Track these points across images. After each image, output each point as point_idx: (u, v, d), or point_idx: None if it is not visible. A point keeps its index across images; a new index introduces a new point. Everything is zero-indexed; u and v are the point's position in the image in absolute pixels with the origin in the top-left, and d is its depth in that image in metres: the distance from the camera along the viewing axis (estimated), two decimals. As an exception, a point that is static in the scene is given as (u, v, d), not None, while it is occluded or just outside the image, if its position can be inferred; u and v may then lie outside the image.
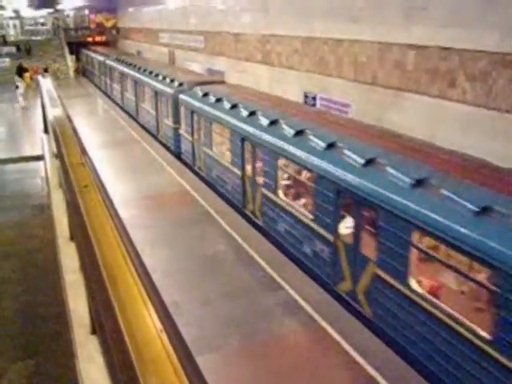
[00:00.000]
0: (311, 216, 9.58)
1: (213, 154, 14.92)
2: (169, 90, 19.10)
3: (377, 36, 13.82)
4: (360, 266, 8.35)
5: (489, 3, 10.35)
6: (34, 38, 51.85)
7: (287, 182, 11.20)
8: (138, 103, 24.98)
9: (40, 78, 27.79)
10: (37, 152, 20.34)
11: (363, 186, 8.08)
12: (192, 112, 16.48)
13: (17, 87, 31.01)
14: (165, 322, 4.01)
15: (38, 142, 21.21)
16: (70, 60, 46.21)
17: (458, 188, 6.96)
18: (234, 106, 13.92)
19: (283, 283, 9.44)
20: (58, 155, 11.94)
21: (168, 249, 11.03)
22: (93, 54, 41.03)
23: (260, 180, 11.82)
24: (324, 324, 8.19)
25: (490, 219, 6.25)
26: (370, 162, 8.34)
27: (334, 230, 8.89)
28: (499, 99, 10.17)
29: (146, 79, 22.96)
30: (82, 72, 46.76)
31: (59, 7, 61.28)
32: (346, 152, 8.99)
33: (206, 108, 15.21)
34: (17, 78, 34.37)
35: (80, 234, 7.04)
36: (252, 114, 12.81)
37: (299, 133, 10.43)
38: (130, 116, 26.74)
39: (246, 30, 22.35)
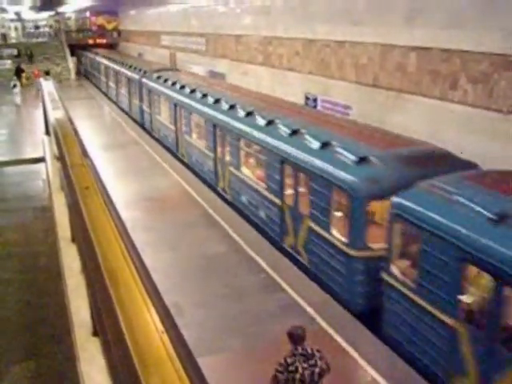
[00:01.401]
0: (205, 146, 15.47)
1: (160, 118, 21.24)
2: (136, 76, 25.02)
3: (378, 38, 13.83)
4: (223, 169, 14.22)
5: (490, 4, 10.35)
6: (35, 40, 51.91)
7: (197, 130, 16.73)
8: (118, 90, 30.46)
9: (42, 80, 27.90)
10: (38, 154, 20.35)
11: (222, 119, 13.92)
12: (149, 91, 22.50)
13: (14, 86, 33.51)
14: (166, 324, 4.01)
15: (40, 144, 21.23)
16: (71, 62, 46.32)
17: (262, 112, 12.91)
18: (173, 84, 19.79)
19: (285, 285, 9.44)
20: (59, 157, 11.96)
21: (169, 251, 11.03)
22: (89, 54, 43.36)
23: (184, 130, 17.91)
24: (326, 326, 8.18)
25: (269, 129, 11.77)
26: (231, 107, 14.12)
27: (214, 151, 14.77)
28: (500, 101, 10.17)
29: (121, 69, 28.89)
30: (84, 74, 46.87)
31: (60, 10, 61.42)
32: (223, 103, 14.77)
33: (156, 86, 21.39)
34: (15, 78, 37.13)
35: (81, 235, 7.05)
36: (182, 87, 18.74)
37: (204, 96, 16.34)
38: (113, 101, 32.11)
39: (247, 32, 22.38)
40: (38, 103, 28.17)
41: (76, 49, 47.73)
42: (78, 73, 47.06)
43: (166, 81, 20.65)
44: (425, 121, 12.21)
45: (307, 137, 10.37)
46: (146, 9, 39.26)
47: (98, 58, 37.78)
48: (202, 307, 8.80)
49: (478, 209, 6.46)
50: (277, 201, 11.00)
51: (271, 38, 20.20)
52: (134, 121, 25.59)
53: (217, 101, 15.26)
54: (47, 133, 20.25)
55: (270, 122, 11.95)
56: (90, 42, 47.92)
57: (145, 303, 4.39)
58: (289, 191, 10.64)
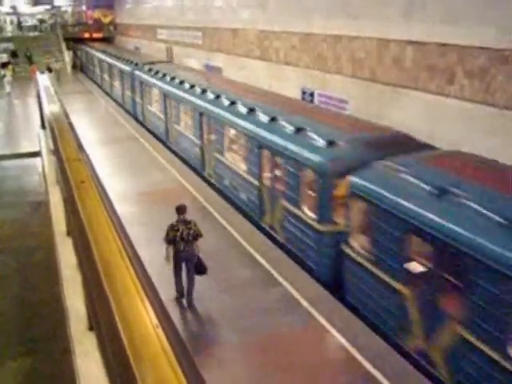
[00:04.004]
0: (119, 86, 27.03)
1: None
2: (90, 51, 38.66)
3: (375, 32, 13.79)
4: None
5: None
6: (31, 34, 51.59)
7: (111, 75, 26.13)
8: (85, 63, 39.07)
9: (38, 74, 27.83)
10: (34, 148, 20.26)
11: (112, 63, 26.65)
12: (93, 57, 37.43)
13: (4, 76, 36.89)
14: (161, 318, 3.99)
15: (35, 138, 21.13)
16: (67, 56, 46.10)
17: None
18: (105, 52, 33.49)
19: (281, 279, 9.43)
20: (55, 151, 11.90)
21: (165, 245, 10.97)
22: (84, 48, 44.26)
23: (106, 75, 31.13)
24: (322, 320, 8.18)
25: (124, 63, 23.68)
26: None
27: (111, 79, 26.13)
28: (497, 95, 10.15)
29: (93, 52, 38.28)
30: (80, 67, 46.66)
31: (56, 3, 61.07)
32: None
33: (98, 54, 35.55)
34: (3, 70, 39.30)
35: (77, 230, 7.03)
36: (108, 53, 31.46)
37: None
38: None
39: (243, 26, 22.29)
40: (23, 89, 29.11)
41: (72, 43, 47.49)
42: (74, 66, 46.87)
43: (100, 51, 34.13)
44: (421, 115, 12.19)
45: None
46: (141, 2, 39.06)
47: (90, 51, 41.49)
48: (199, 301, 8.79)
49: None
50: (138, 99, 23.61)
51: (268, 32, 20.12)
52: (94, 82, 38.27)
53: (118, 57, 27.71)
54: (43, 127, 20.15)
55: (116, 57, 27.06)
56: (87, 35, 47.59)
57: (140, 297, 4.37)
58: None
